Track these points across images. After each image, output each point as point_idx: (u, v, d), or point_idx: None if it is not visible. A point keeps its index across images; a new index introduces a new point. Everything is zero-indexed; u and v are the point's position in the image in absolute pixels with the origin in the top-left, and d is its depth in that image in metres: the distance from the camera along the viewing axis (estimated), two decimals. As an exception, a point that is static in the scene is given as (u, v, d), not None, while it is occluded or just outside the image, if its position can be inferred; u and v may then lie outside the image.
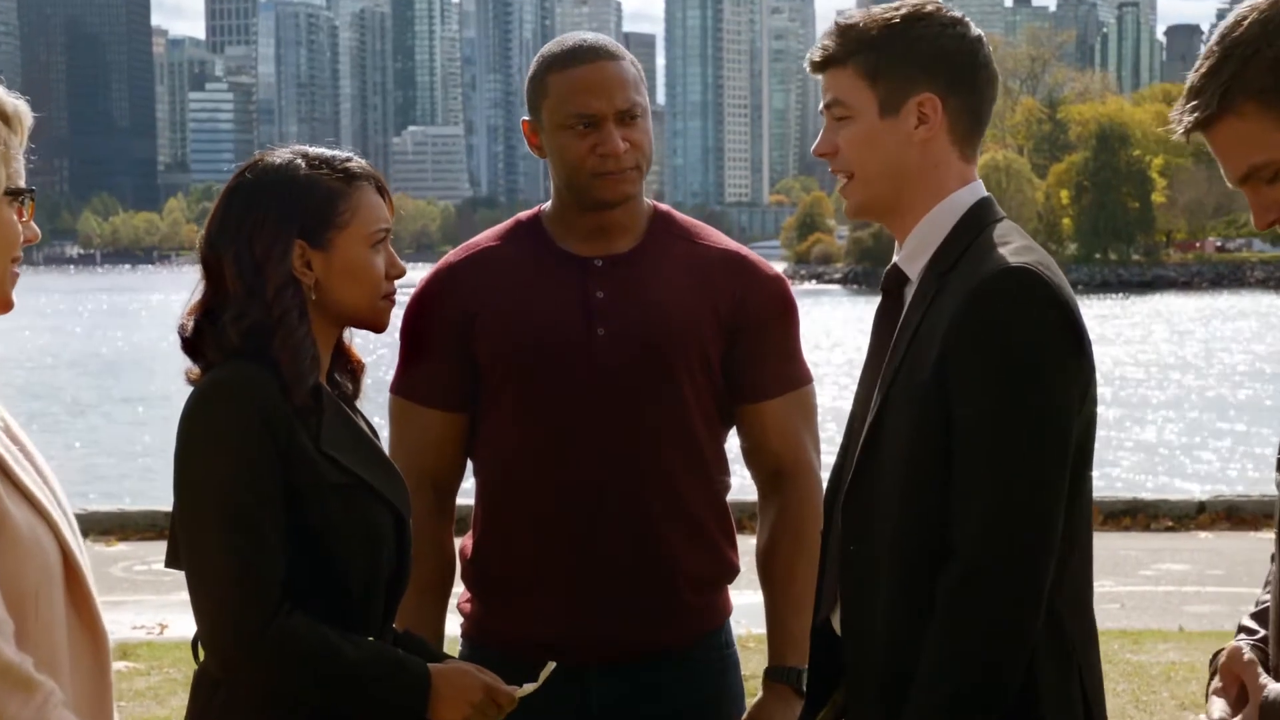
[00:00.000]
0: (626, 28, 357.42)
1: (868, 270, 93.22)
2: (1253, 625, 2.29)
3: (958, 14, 2.55)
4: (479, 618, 3.10)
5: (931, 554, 2.37)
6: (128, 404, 32.20)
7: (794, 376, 3.11)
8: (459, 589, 3.17)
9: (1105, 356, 39.09)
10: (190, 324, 2.57)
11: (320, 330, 2.57)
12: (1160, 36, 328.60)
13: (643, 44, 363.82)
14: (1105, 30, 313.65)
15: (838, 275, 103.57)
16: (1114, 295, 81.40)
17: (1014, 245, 2.45)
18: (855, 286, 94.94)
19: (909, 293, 2.53)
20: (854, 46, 2.53)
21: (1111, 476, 19.12)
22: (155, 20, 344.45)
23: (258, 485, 2.43)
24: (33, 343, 52.77)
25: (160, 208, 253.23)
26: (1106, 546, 10.53)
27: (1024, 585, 2.32)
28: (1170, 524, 11.67)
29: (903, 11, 2.53)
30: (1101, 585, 9.44)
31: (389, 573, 2.56)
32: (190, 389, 2.54)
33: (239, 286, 2.52)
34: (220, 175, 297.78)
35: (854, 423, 2.56)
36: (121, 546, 10.82)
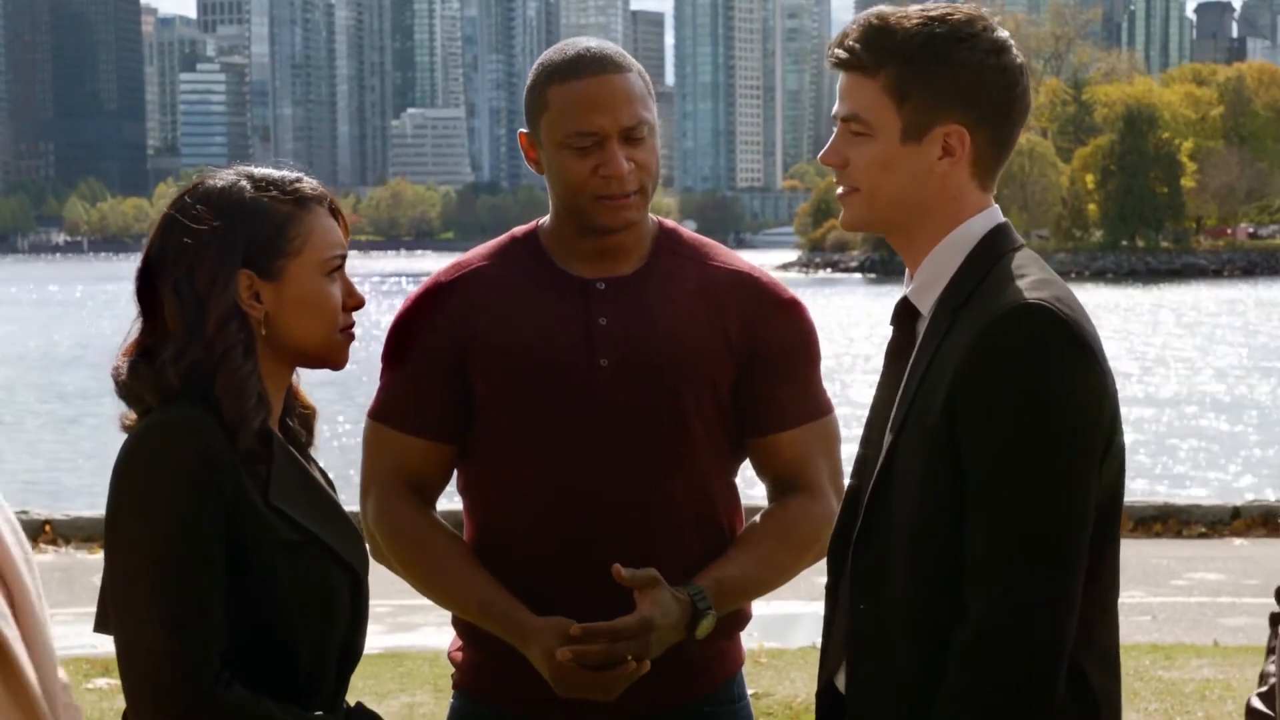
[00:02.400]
0: (634, 5, 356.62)
1: (884, 259, 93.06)
2: (1261, 707, 2.24)
3: (1003, 34, 2.41)
4: (472, 669, 3.00)
5: (945, 616, 2.27)
6: (111, 402, 32.08)
7: (812, 408, 2.99)
8: (450, 633, 3.08)
9: (1132, 350, 38.97)
10: (125, 365, 2.42)
11: (271, 370, 2.43)
12: (1190, 14, 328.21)
13: (651, 22, 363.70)
14: (1133, 8, 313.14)
15: (853, 264, 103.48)
16: (1141, 284, 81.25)
17: (1031, 278, 2.33)
18: (872, 275, 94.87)
19: (921, 327, 2.42)
20: (885, 57, 2.37)
21: (1141, 480, 19.02)
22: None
23: (195, 544, 2.29)
24: (14, 335, 52.73)
25: (150, 193, 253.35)
26: (1136, 555, 10.46)
27: (1041, 650, 2.23)
28: (1203, 530, 11.61)
29: (945, 28, 2.37)
30: (1131, 596, 9.39)
31: (342, 640, 2.44)
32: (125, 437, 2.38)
33: (179, 321, 2.38)
34: (212, 159, 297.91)
35: (863, 466, 2.47)
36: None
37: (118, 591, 2.33)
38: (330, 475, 2.59)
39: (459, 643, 3.04)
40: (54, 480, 21.21)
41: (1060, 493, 2.23)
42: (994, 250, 2.39)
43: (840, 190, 2.46)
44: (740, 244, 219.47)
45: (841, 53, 2.41)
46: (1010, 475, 2.23)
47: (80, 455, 24.27)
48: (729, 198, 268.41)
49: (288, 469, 2.41)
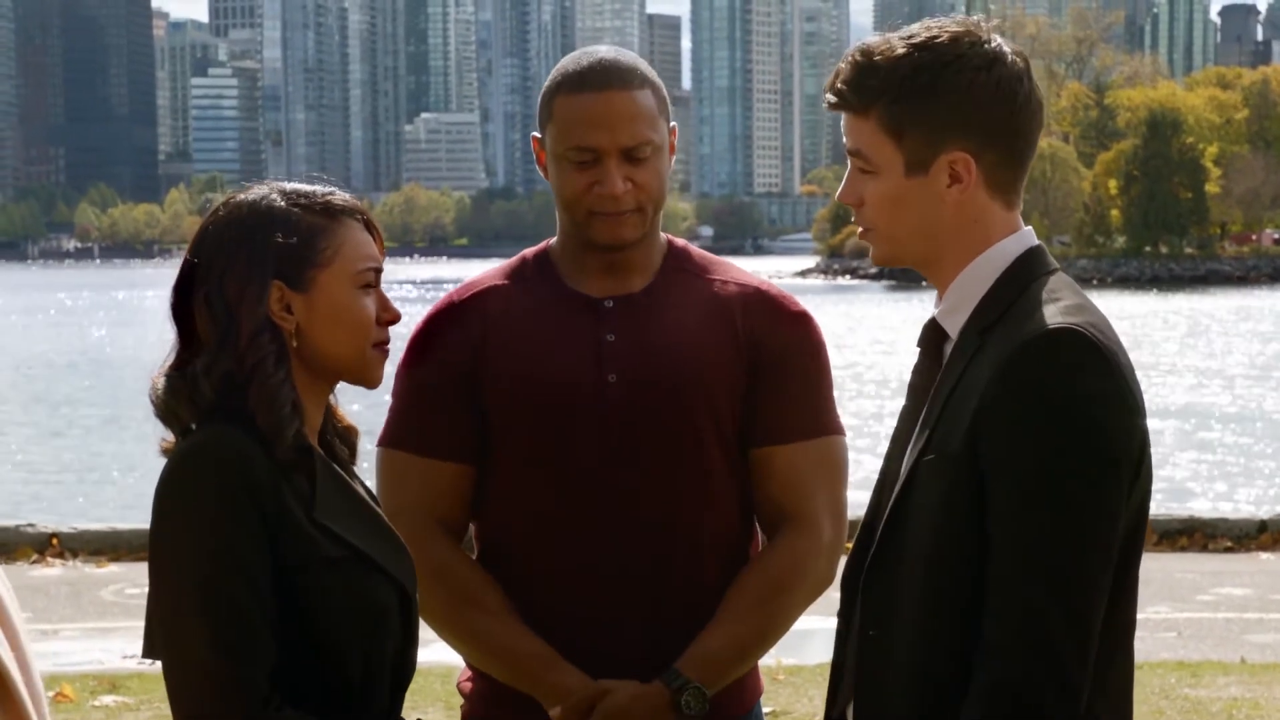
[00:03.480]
0: (651, 9, 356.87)
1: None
2: None
3: (993, 44, 2.34)
4: (482, 701, 2.97)
5: (957, 648, 2.23)
6: (118, 410, 32.12)
7: (816, 424, 2.94)
8: (458, 661, 3.05)
9: (1155, 359, 38.88)
10: (161, 382, 2.42)
11: (307, 384, 2.43)
12: (1214, 17, 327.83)
13: (667, 26, 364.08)
14: (1156, 10, 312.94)
15: (873, 270, 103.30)
16: (1165, 291, 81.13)
17: (1063, 303, 2.27)
18: (891, 282, 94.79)
19: (948, 350, 2.37)
20: (873, 95, 2.33)
21: (1165, 493, 18.92)
22: (156, 2, 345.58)
23: (240, 566, 2.29)
24: (19, 342, 52.87)
25: (161, 199, 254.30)
26: (1161, 569, 10.40)
27: (1056, 697, 2.18)
28: (1229, 544, 11.53)
29: (930, 54, 2.32)
30: (1156, 611, 9.34)
31: (394, 657, 2.43)
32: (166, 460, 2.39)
33: (211, 334, 2.39)
34: (224, 165, 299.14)
35: (881, 491, 2.42)
36: (113, 568, 10.73)
37: (164, 616, 2.33)
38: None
39: (469, 673, 3.02)
40: (55, 491, 21.19)
41: (1087, 522, 2.18)
42: (1026, 273, 2.34)
43: (860, 230, 2.42)
44: (758, 250, 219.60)
45: (832, 96, 2.39)
46: (1034, 506, 2.18)
47: (64, 465, 24.27)
48: (746, 203, 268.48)
49: (331, 485, 2.41)
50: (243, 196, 2.46)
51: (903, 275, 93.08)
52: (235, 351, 2.37)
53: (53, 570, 10.74)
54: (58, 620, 9.34)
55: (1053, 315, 2.24)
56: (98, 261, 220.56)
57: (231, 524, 2.29)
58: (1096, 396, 2.19)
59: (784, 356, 2.93)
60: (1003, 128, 2.33)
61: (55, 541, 11.14)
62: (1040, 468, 2.18)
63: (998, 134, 2.33)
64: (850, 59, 2.36)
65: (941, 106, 2.30)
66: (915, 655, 2.28)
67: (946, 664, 2.25)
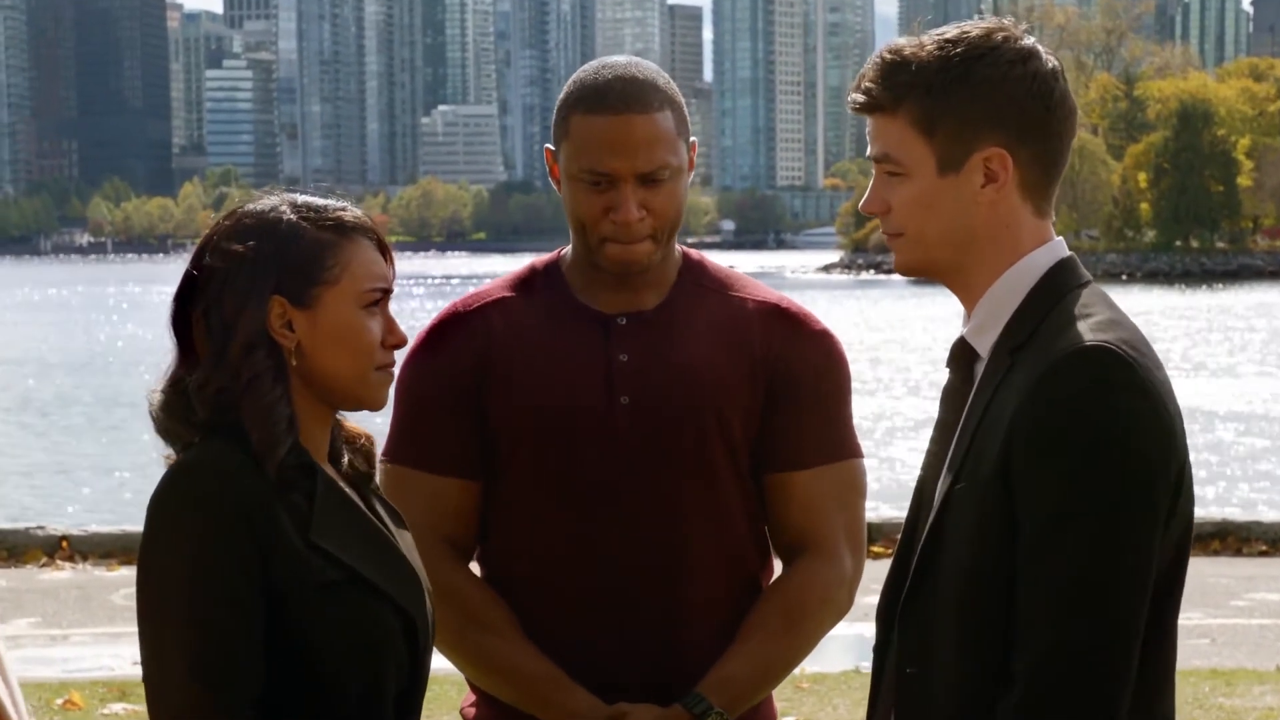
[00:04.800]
0: (671, 0, 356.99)
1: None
2: None
3: (1028, 41, 2.28)
4: None
5: (997, 683, 2.15)
6: (134, 409, 32.15)
7: (835, 447, 2.89)
8: (455, 696, 3.00)
9: (1186, 357, 38.73)
10: (158, 398, 2.37)
11: (309, 405, 2.37)
12: (1247, 6, 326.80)
13: (688, 17, 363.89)
14: (1187, 0, 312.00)
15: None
16: (1196, 286, 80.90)
17: (1097, 318, 2.20)
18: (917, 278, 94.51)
19: (979, 370, 2.30)
20: (903, 91, 2.27)
21: (1198, 495, 18.81)
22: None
23: (226, 589, 2.23)
24: (33, 338, 53.00)
25: (175, 193, 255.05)
26: (1194, 574, 10.17)
27: None
28: (1264, 548, 11.49)
29: (962, 47, 2.26)
30: (1189, 618, 9.28)
31: (397, 689, 2.34)
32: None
33: (207, 349, 2.34)
34: (238, 158, 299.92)
35: (916, 515, 2.35)
36: (124, 571, 10.69)
37: (146, 638, 2.28)
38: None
39: (473, 697, 2.97)
40: (66, 493, 21.20)
41: (1119, 550, 2.11)
42: (1058, 287, 2.27)
43: (886, 236, 2.36)
44: (780, 244, 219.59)
45: (859, 96, 2.32)
46: (1064, 528, 2.11)
47: (96, 467, 24.29)
48: (769, 197, 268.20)
49: (334, 505, 2.34)
50: (251, 206, 2.40)
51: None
52: (229, 366, 2.32)
53: (62, 573, 10.73)
54: (67, 625, 9.33)
55: (1085, 332, 2.17)
56: (111, 256, 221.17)
57: (218, 547, 2.24)
58: (1131, 417, 2.13)
59: (804, 378, 2.88)
60: (1038, 124, 2.27)
61: (65, 544, 11.13)
62: (1070, 493, 2.11)
63: (1032, 130, 2.26)
64: (878, 59, 2.30)
65: (976, 98, 2.24)
66: (957, 698, 2.21)
67: (988, 701, 2.17)
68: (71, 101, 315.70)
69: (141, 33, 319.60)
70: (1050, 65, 2.28)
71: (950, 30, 2.29)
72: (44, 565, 10.89)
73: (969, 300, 2.32)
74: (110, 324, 62.18)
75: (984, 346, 2.29)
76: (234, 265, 2.34)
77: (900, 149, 2.28)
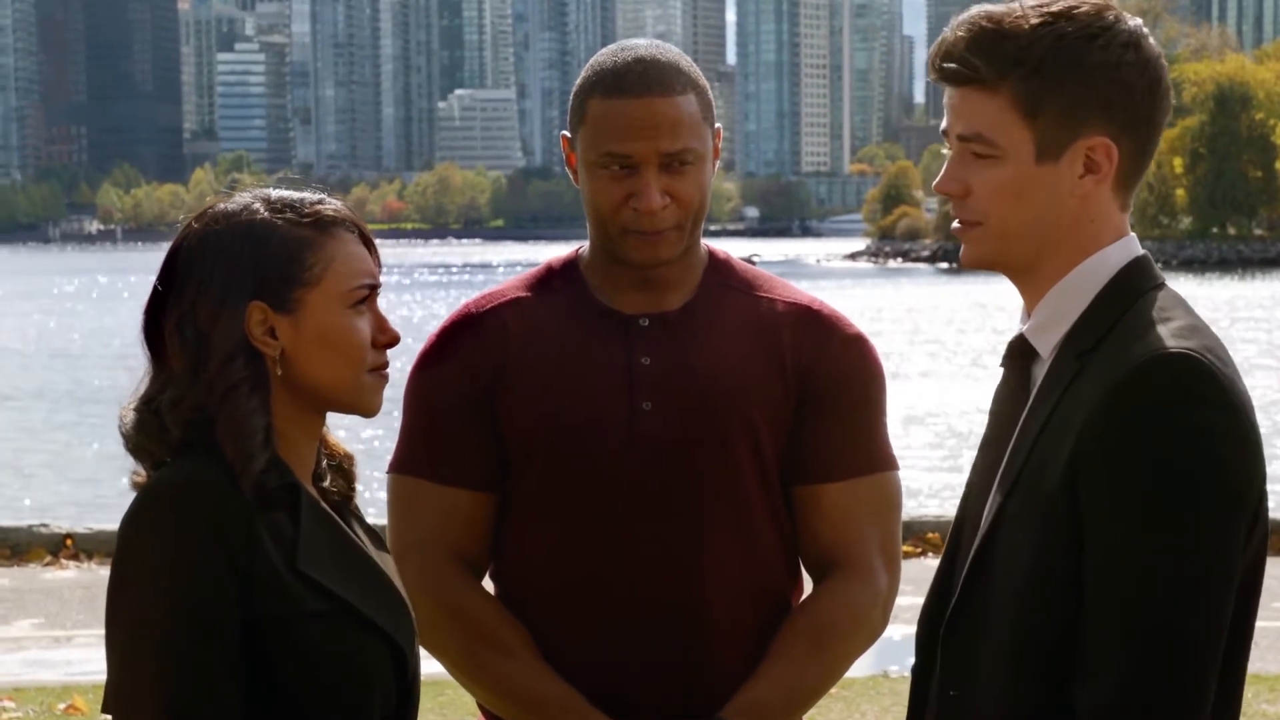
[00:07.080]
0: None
1: (958, 247, 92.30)
2: None
3: (1135, 23, 2.17)
4: None
5: (1051, 713, 2.07)
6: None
7: (868, 460, 2.81)
8: (471, 702, 2.94)
9: (1231, 346, 38.45)
10: (130, 416, 2.25)
11: (295, 417, 2.26)
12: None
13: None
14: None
15: (925, 253, 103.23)
16: (1234, 274, 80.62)
17: (1176, 323, 2.10)
18: (945, 265, 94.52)
19: (1038, 372, 2.19)
20: (1007, 66, 2.12)
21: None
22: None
23: (201, 620, 2.12)
24: (41, 327, 53.13)
25: (186, 179, 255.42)
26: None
27: None
28: (1308, 546, 11.35)
29: (1075, 25, 2.12)
30: (1229, 621, 9.18)
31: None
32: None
33: (182, 363, 2.22)
34: (251, 143, 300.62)
35: (961, 534, 2.25)
36: (129, 570, 10.67)
37: (115, 672, 2.17)
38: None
39: (482, 717, 2.90)
40: (72, 491, 21.20)
41: (1199, 572, 2.01)
42: (1132, 287, 2.16)
43: (957, 224, 2.22)
44: (805, 231, 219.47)
45: (952, 65, 2.16)
46: (1140, 549, 2.01)
47: (100, 463, 24.30)
48: (794, 183, 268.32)
49: (319, 528, 2.24)
50: (221, 206, 2.28)
51: (956, 258, 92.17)
52: (205, 381, 2.20)
53: (67, 573, 10.70)
54: (71, 626, 9.29)
55: (1165, 338, 2.07)
56: (120, 244, 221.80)
57: (193, 574, 2.13)
58: (1214, 432, 2.02)
59: (836, 385, 2.80)
60: (1143, 115, 2.16)
61: (70, 542, 11.10)
62: (1147, 512, 2.01)
63: (1137, 122, 2.16)
64: (973, 25, 2.15)
65: (1087, 84, 2.12)
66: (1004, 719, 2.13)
67: None
68: (80, 86, 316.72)
69: (151, 15, 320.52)
70: (1157, 52, 2.17)
71: (1053, 2, 2.15)
72: (47, 564, 10.86)
73: (1033, 295, 2.20)
74: (113, 315, 62.24)
75: (1045, 346, 2.18)
76: (206, 273, 2.22)
77: (996, 129, 2.14)
